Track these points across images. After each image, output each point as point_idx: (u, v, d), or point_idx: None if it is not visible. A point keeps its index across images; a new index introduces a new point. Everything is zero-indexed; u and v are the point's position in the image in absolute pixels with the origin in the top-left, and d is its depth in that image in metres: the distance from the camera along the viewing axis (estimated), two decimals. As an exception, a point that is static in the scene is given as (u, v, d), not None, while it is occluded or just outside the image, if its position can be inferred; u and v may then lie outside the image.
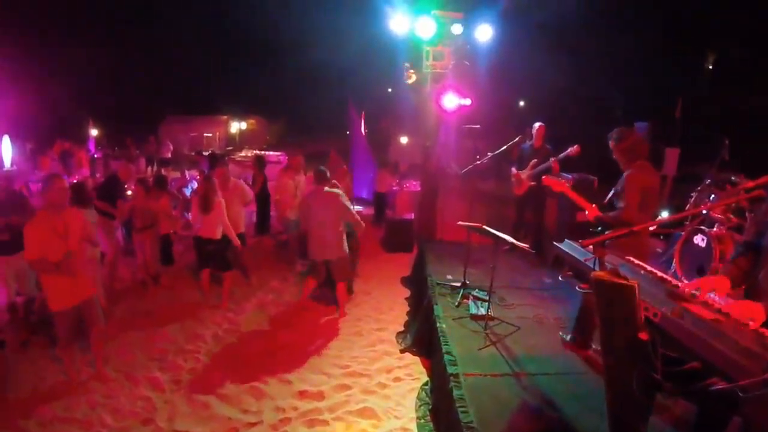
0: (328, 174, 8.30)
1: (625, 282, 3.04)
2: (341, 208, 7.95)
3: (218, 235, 8.36)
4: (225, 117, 50.68)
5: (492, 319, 6.27)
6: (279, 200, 10.77)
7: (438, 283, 7.63)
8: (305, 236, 8.32)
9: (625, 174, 5.42)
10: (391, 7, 10.55)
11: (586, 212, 5.65)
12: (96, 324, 6.14)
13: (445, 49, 10.59)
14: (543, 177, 6.78)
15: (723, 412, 2.86)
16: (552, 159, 8.92)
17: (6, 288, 7.08)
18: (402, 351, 7.06)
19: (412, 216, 13.06)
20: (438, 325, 6.16)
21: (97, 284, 6.41)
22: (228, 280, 8.68)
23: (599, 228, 5.53)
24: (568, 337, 5.81)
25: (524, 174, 9.33)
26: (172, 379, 6.31)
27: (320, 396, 5.99)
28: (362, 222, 8.46)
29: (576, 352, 5.60)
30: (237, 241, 8.51)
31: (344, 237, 8.15)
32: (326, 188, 8.03)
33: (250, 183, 11.34)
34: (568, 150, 8.59)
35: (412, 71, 11.53)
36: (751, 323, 2.74)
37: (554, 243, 5.08)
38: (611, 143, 5.55)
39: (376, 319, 8.30)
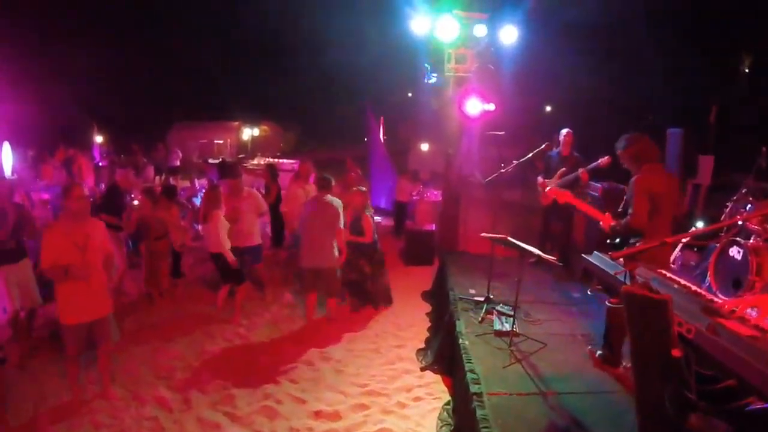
0: (332, 182, 8.43)
1: (657, 296, 3.05)
2: (333, 219, 8.14)
3: (222, 249, 8.42)
4: (236, 123, 50.94)
5: (517, 335, 6.27)
6: (288, 212, 10.71)
7: (460, 298, 7.63)
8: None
9: (632, 179, 5.48)
10: (410, 8, 10.55)
11: (601, 223, 5.68)
12: (106, 343, 6.12)
13: (468, 52, 10.54)
14: (548, 189, 6.83)
15: (760, 433, 2.86)
16: (581, 170, 8.90)
17: (10, 298, 7.11)
18: (422, 369, 7.07)
19: (433, 227, 13.07)
20: (460, 341, 6.16)
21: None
22: (240, 293, 8.71)
23: (617, 240, 5.58)
24: (597, 354, 5.81)
25: (551, 183, 9.30)
26: (181, 397, 6.29)
27: (336, 416, 6.00)
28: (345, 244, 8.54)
29: (605, 370, 5.60)
30: (230, 256, 8.49)
31: (335, 249, 8.29)
32: (328, 197, 8.23)
33: (263, 193, 11.35)
34: (599, 161, 8.57)
35: (433, 75, 11.52)
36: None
37: (583, 255, 5.09)
38: (618, 152, 5.66)
39: (395, 335, 8.31)
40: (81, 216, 5.75)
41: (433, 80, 11.63)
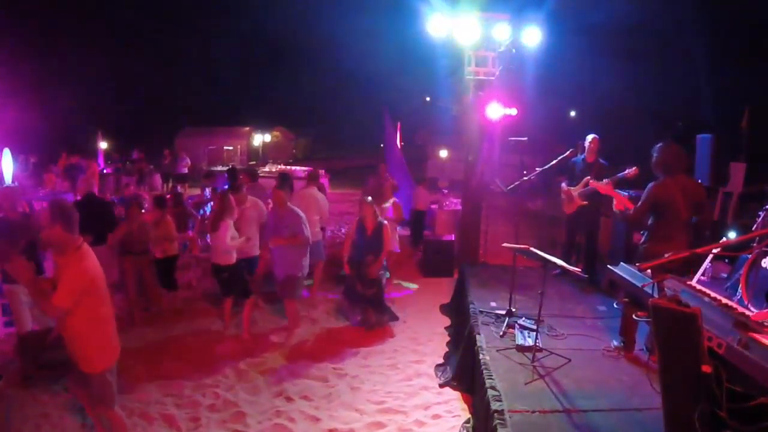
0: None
1: (686, 309, 3.06)
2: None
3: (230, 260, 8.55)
4: (247, 128, 51.14)
5: (540, 350, 6.27)
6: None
7: (481, 311, 7.64)
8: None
9: (649, 184, 6.25)
10: (428, 8, 10.49)
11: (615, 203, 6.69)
12: (98, 405, 5.16)
13: (489, 54, 10.49)
14: (590, 180, 7.17)
15: (795, 452, 2.86)
16: (606, 180, 8.85)
17: (18, 317, 7.04)
18: (441, 385, 7.06)
19: (453, 237, 13.07)
20: (481, 356, 6.17)
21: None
22: (247, 307, 8.68)
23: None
24: (614, 344, 6.01)
25: (575, 191, 9.25)
26: (190, 416, 6.28)
27: (352, 434, 6.00)
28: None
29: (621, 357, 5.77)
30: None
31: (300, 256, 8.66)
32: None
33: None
34: (626, 172, 8.50)
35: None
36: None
37: (608, 266, 5.12)
38: (652, 163, 6.36)
39: (413, 350, 8.29)
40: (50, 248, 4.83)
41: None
